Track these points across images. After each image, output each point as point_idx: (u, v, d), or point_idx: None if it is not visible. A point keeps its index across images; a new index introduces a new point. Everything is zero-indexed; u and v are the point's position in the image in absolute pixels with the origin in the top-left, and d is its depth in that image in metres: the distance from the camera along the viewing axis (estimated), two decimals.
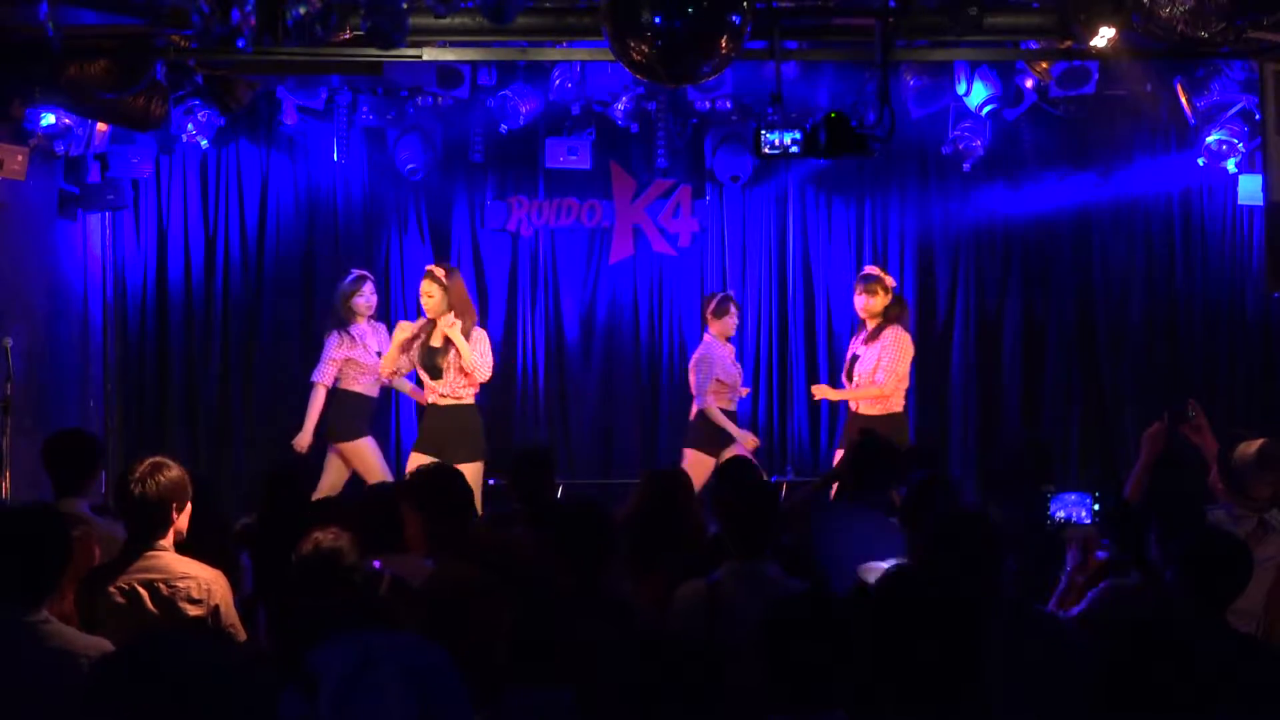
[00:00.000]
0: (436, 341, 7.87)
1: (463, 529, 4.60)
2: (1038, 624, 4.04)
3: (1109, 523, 4.89)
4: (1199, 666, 3.08)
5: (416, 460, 7.61)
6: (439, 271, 7.95)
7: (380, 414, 9.14)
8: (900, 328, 8.06)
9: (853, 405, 8.17)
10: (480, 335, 7.92)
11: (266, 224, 9.41)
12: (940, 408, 9.48)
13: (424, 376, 7.91)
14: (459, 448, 7.60)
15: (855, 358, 8.15)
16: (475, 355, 7.75)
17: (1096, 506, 5.06)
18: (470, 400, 7.87)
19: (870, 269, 8.37)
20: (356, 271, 8.47)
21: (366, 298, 8.35)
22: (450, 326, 7.76)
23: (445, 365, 7.80)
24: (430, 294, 7.86)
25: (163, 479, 4.25)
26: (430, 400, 7.91)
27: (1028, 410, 9.49)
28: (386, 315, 9.35)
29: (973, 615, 3.21)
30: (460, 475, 4.92)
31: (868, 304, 8.07)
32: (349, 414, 8.27)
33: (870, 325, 8.11)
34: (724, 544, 4.58)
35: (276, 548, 4.30)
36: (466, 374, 7.77)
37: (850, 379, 8.14)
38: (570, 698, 3.16)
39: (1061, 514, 5.08)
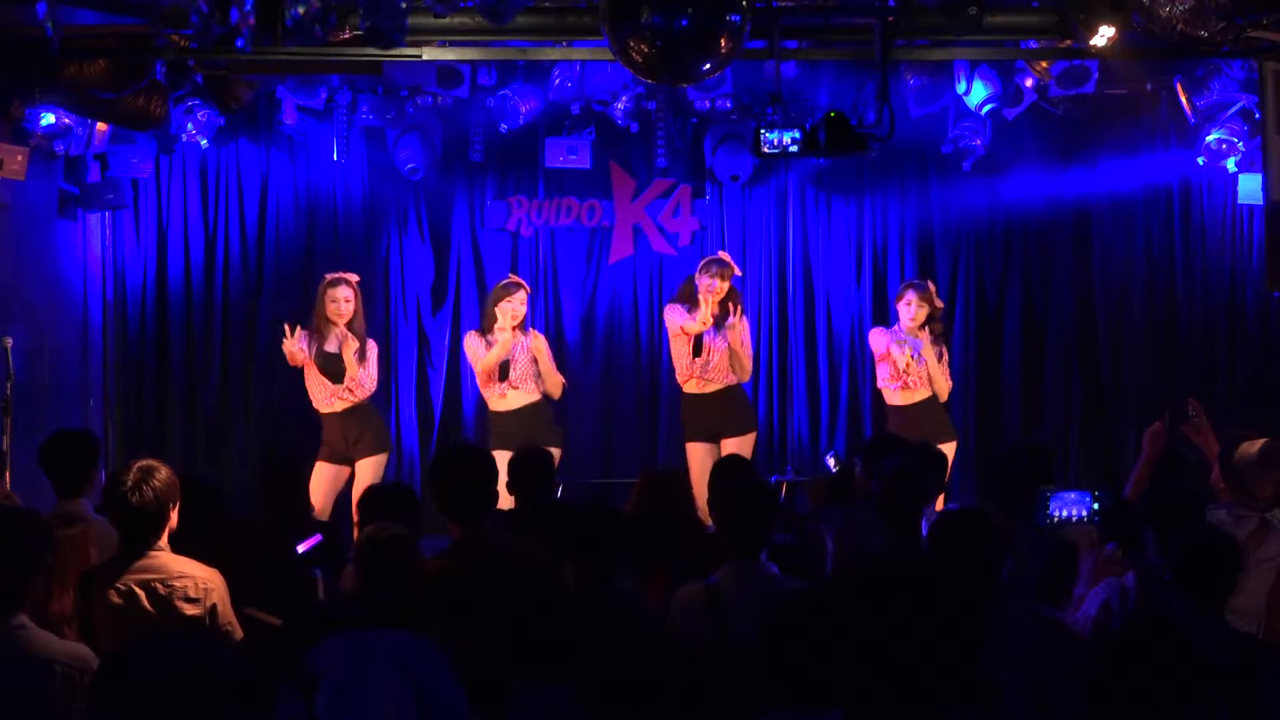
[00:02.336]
0: (332, 347, 7.93)
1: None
2: (1037, 623, 4.04)
3: (1109, 522, 4.88)
4: (1199, 666, 3.08)
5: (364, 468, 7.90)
6: (355, 278, 8.07)
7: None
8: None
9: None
10: (372, 347, 8.08)
11: (266, 224, 9.39)
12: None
13: (326, 381, 7.95)
14: (366, 441, 7.95)
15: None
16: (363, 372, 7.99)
17: (1096, 506, 5.05)
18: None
19: (723, 254, 8.45)
20: (510, 276, 8.39)
21: (514, 306, 8.13)
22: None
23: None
24: (349, 299, 7.96)
25: (157, 483, 4.25)
26: (334, 407, 7.97)
27: (1028, 410, 9.48)
28: (386, 317, 9.36)
29: (972, 614, 3.20)
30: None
31: (719, 287, 8.15)
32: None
33: (716, 311, 8.18)
34: (723, 544, 4.58)
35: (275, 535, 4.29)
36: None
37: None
38: (574, 694, 3.16)
39: (1061, 514, 5.07)
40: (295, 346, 7.92)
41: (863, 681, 2.90)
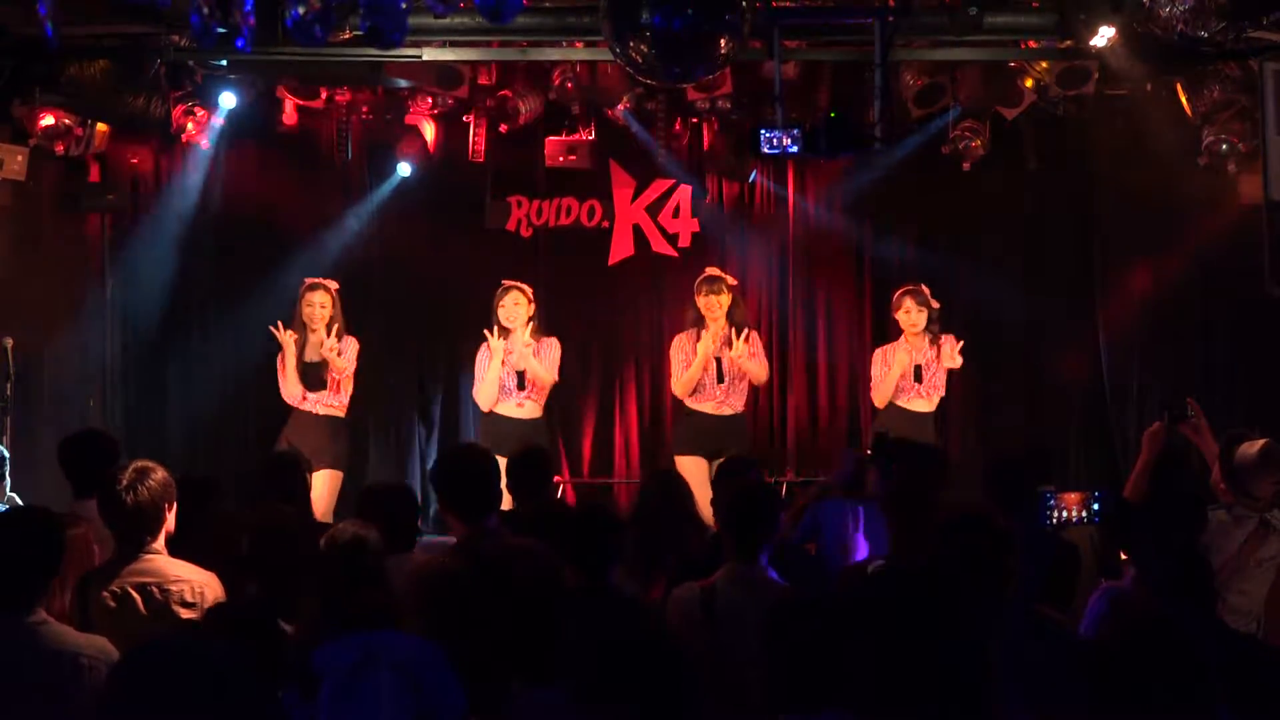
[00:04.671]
0: (313, 356, 7.92)
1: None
2: (1039, 625, 4.04)
3: (1109, 523, 4.89)
4: (1199, 667, 3.08)
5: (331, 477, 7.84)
6: (334, 285, 8.05)
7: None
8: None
9: None
10: (351, 344, 8.02)
11: (266, 224, 9.38)
12: (940, 407, 9.45)
13: (302, 389, 7.93)
14: (329, 454, 7.90)
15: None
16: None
17: (1096, 506, 5.05)
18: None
19: (711, 269, 8.32)
20: (505, 281, 8.22)
21: (508, 310, 8.07)
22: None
23: (329, 378, 7.93)
24: (325, 305, 7.95)
25: (153, 483, 4.23)
26: (315, 409, 7.95)
27: (1028, 410, 9.48)
28: (385, 318, 9.33)
29: (975, 615, 3.20)
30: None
31: (717, 303, 8.07)
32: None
33: (726, 330, 8.08)
34: (722, 546, 4.57)
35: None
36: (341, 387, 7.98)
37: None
38: (572, 694, 3.16)
39: (1062, 514, 5.07)
40: (286, 338, 7.92)
41: (867, 683, 2.90)
